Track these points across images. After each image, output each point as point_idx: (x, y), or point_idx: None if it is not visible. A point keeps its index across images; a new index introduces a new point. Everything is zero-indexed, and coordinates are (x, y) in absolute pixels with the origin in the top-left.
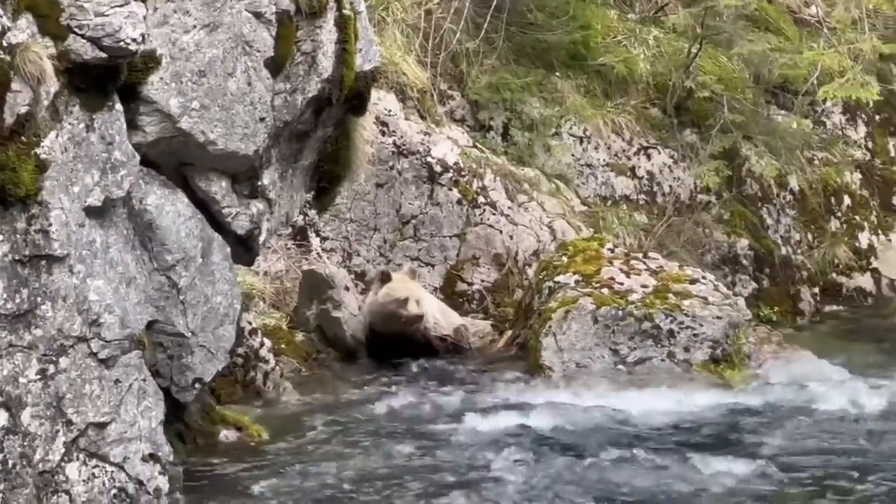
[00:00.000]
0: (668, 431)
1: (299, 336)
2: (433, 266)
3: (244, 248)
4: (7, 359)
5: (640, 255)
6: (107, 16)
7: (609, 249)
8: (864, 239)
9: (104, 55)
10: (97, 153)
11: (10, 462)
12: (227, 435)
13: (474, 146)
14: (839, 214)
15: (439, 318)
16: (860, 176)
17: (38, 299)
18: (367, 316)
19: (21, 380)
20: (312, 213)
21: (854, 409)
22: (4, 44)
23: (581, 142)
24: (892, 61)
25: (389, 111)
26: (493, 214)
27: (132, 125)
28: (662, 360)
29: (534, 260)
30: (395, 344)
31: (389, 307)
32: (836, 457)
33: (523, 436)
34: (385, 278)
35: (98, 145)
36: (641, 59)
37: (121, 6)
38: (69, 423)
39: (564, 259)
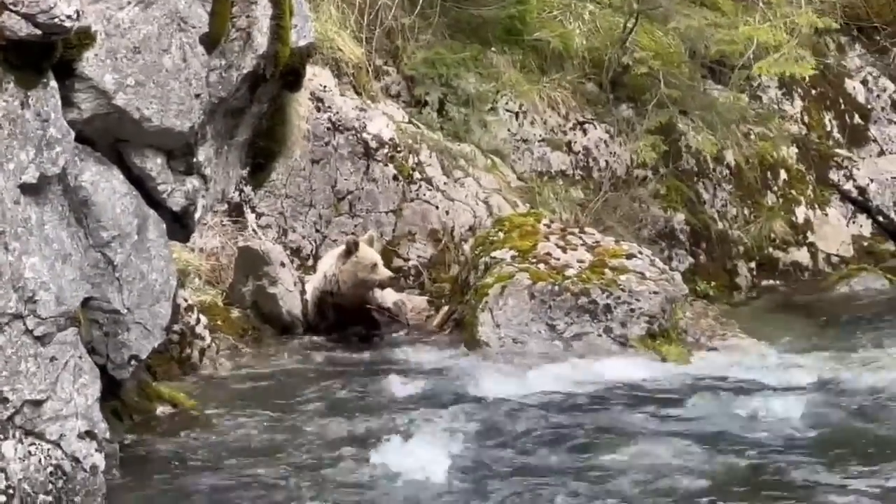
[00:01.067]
0: (596, 406)
1: (235, 312)
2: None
3: (180, 225)
4: None
5: (577, 231)
6: None
7: (545, 225)
8: (800, 213)
9: (39, 32)
10: (32, 130)
11: None
12: (163, 411)
13: (410, 122)
14: (776, 189)
15: (381, 292)
16: (796, 150)
17: None
18: (321, 287)
19: None
20: (248, 189)
21: (783, 384)
22: None
23: (517, 117)
24: (827, 35)
25: (325, 87)
26: (429, 190)
27: (67, 102)
28: (599, 336)
29: (470, 235)
30: (344, 316)
31: (360, 275)
32: (761, 432)
33: (443, 400)
34: (352, 248)
35: (33, 122)
36: (577, 34)
37: None
38: (5, 400)
39: (501, 234)
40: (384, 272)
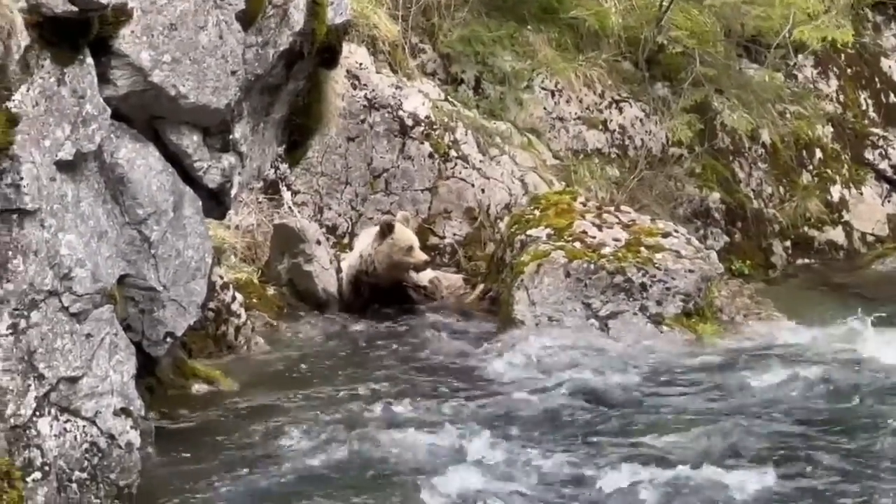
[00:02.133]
0: (635, 383)
1: (271, 290)
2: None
3: (216, 202)
4: None
5: (613, 209)
6: None
7: (581, 203)
8: (835, 192)
9: (75, 8)
10: (68, 107)
11: None
12: (198, 388)
13: (446, 100)
14: (811, 168)
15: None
16: (832, 129)
17: (10, 253)
18: (356, 267)
19: None
20: (284, 166)
21: (821, 363)
22: None
23: (553, 95)
24: (863, 12)
25: (361, 65)
26: (465, 168)
27: (103, 79)
28: (634, 314)
29: (505, 213)
30: (378, 295)
31: (395, 257)
32: (799, 408)
33: (479, 378)
34: (388, 229)
35: (69, 99)
36: (613, 12)
37: None
38: (41, 377)
39: (536, 213)
40: (420, 256)
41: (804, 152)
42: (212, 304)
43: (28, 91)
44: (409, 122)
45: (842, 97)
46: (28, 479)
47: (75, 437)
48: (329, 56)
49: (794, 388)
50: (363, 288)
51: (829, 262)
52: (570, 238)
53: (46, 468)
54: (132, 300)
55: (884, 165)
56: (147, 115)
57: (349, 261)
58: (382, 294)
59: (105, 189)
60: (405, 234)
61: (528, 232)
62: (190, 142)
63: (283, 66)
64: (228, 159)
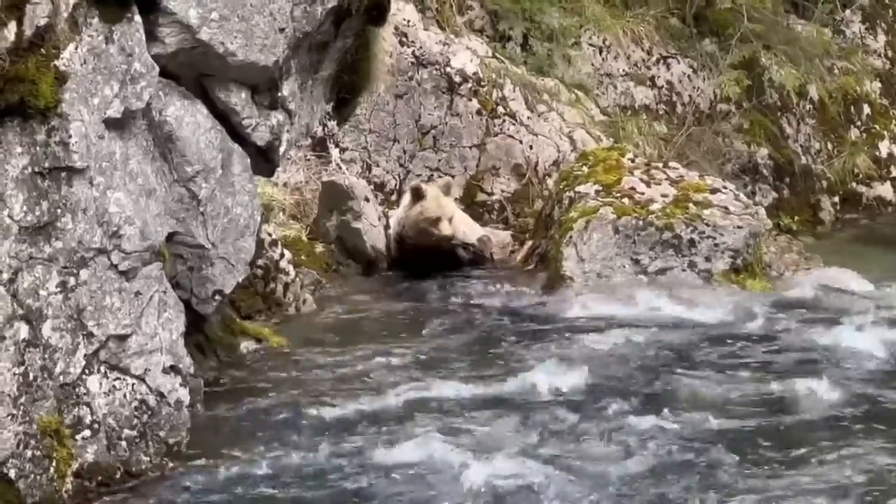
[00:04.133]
0: (688, 341)
1: (319, 247)
2: (453, 177)
3: (264, 160)
4: (27, 271)
5: (661, 165)
6: None
7: (629, 159)
8: (883, 148)
9: None
10: (116, 65)
11: (32, 374)
12: (247, 346)
13: (493, 56)
14: (859, 123)
15: (465, 229)
16: (880, 85)
17: (59, 211)
18: (396, 227)
19: (41, 292)
20: (332, 124)
21: (874, 318)
22: None
23: (600, 52)
24: None
25: (408, 21)
26: (513, 125)
27: (151, 36)
28: (683, 270)
29: (554, 170)
30: (422, 255)
31: (422, 225)
32: (855, 366)
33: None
34: (418, 195)
35: (117, 57)
36: None
37: None
38: (90, 335)
39: (585, 169)
40: (445, 230)
41: (852, 108)
42: (260, 262)
43: (76, 49)
44: (457, 79)
45: (890, 52)
46: (77, 437)
47: (124, 395)
48: (377, 13)
49: (848, 342)
50: (407, 247)
51: (877, 217)
52: (619, 194)
53: (96, 426)
54: (181, 258)
55: None
56: (195, 72)
57: (395, 219)
58: (428, 253)
59: (153, 147)
60: (433, 205)
61: (577, 188)
62: (238, 99)
63: (331, 23)
64: (277, 117)
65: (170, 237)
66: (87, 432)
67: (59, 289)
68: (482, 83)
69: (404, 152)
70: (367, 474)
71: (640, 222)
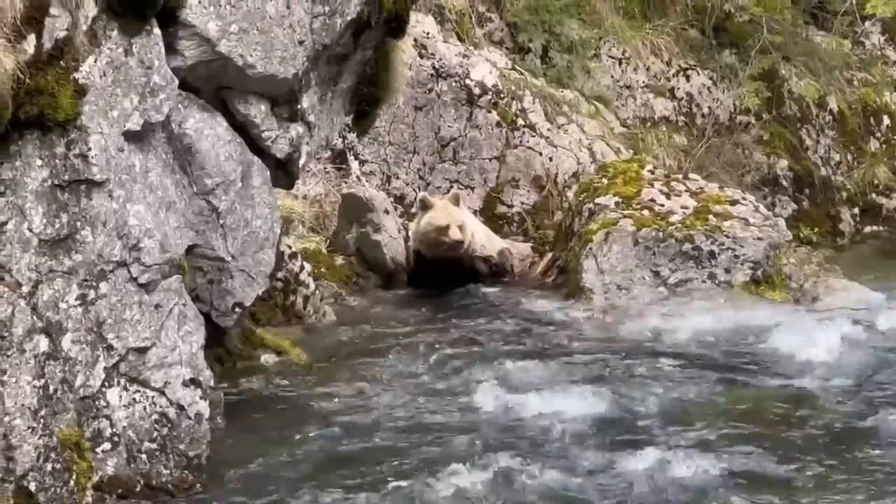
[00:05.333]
0: (704, 351)
1: (339, 260)
2: (473, 189)
3: (284, 172)
4: (47, 284)
5: (681, 177)
6: None
7: (649, 171)
8: None
9: None
10: (136, 77)
11: (52, 387)
12: (267, 359)
13: (513, 68)
14: (878, 135)
15: (484, 242)
16: None
17: (78, 224)
18: (412, 241)
19: (61, 305)
20: (352, 136)
21: (890, 328)
22: None
23: (620, 63)
24: None
25: (428, 34)
26: (533, 136)
27: (171, 49)
28: (703, 282)
29: (573, 182)
30: (440, 268)
31: (431, 235)
32: (875, 374)
33: (549, 349)
34: (426, 206)
35: (137, 69)
36: None
37: None
38: (110, 348)
39: (604, 181)
40: (454, 235)
41: (872, 119)
42: (280, 274)
43: (96, 62)
44: (477, 91)
45: None
46: (98, 450)
47: (144, 408)
48: (396, 25)
49: (871, 355)
50: (425, 261)
51: None
52: (639, 206)
53: (116, 439)
54: (201, 270)
55: None
56: (215, 85)
57: (411, 233)
58: (447, 267)
59: (173, 159)
60: (441, 214)
61: (597, 200)
62: (258, 112)
63: (350, 35)
64: (296, 129)
65: (189, 250)
66: (107, 445)
67: (78, 301)
68: (502, 95)
69: (424, 164)
70: (385, 487)
71: (660, 234)
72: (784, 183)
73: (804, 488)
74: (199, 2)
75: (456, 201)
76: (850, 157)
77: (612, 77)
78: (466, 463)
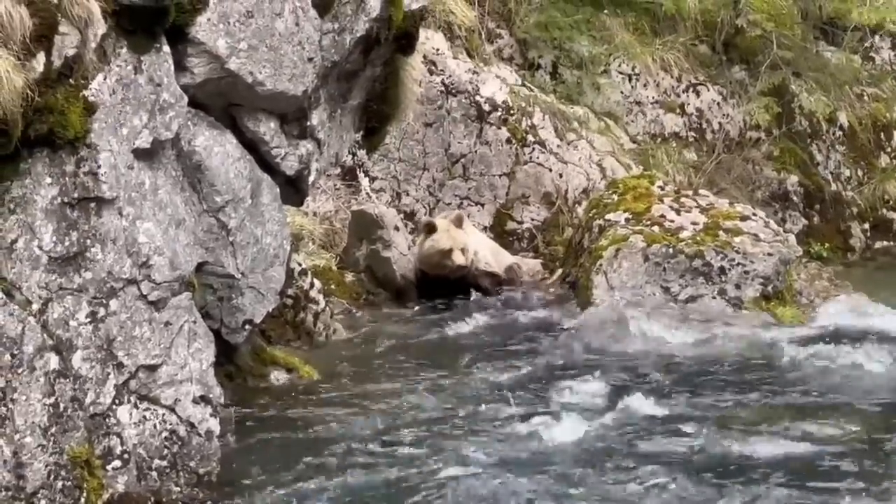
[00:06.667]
0: (712, 368)
1: (349, 276)
2: (482, 205)
3: (293, 189)
4: (57, 302)
5: (691, 193)
6: None
7: (659, 187)
8: None
9: None
10: (145, 95)
11: (62, 405)
12: (277, 376)
13: (523, 85)
14: (889, 150)
15: (490, 259)
16: None
17: (88, 242)
18: (417, 262)
19: (71, 323)
20: (361, 153)
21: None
22: None
23: (630, 79)
24: None
25: (437, 50)
26: (543, 153)
27: (180, 67)
28: (713, 298)
29: (583, 198)
30: (445, 285)
31: (434, 258)
32: (882, 392)
33: (562, 365)
34: (430, 229)
35: (146, 87)
36: None
37: None
38: (120, 365)
39: (614, 197)
40: (457, 260)
41: (882, 134)
42: (290, 291)
43: (105, 79)
44: (487, 108)
45: None
46: (108, 468)
47: (155, 426)
48: (406, 42)
49: (880, 371)
50: (429, 279)
51: None
52: (649, 222)
53: (126, 456)
54: (210, 288)
55: None
56: (224, 102)
57: (416, 254)
58: (451, 284)
59: (183, 177)
60: (444, 237)
61: (607, 216)
62: (267, 129)
63: (359, 52)
64: (306, 146)
65: (199, 267)
66: (117, 462)
67: (88, 319)
68: (511, 111)
69: (434, 181)
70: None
71: (670, 250)
72: (794, 198)
73: None
74: (209, 19)
75: (459, 223)
76: (860, 173)
77: (622, 93)
78: (479, 479)
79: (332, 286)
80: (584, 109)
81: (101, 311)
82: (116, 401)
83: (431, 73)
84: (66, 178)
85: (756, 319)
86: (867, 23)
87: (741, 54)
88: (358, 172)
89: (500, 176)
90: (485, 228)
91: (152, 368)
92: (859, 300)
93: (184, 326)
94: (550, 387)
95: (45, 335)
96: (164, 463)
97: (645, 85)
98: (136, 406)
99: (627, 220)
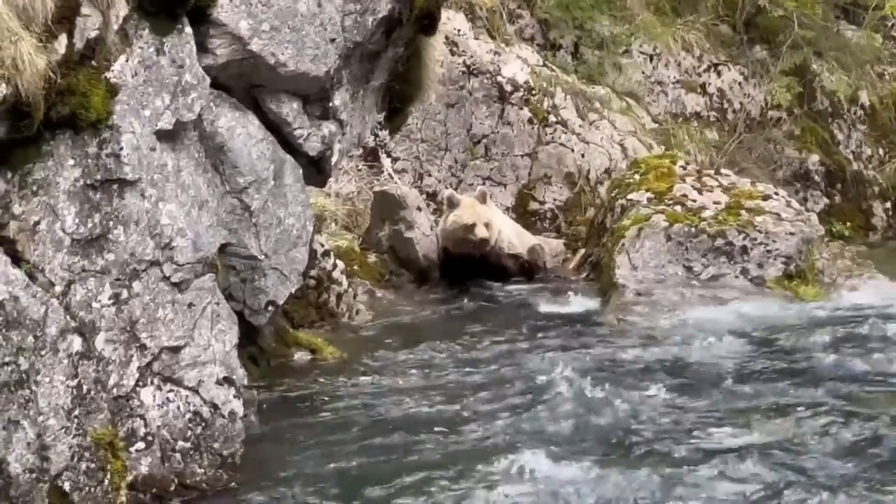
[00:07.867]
0: (737, 348)
1: (372, 257)
2: (505, 185)
3: (316, 170)
4: (80, 284)
5: (712, 172)
6: None
7: (681, 166)
8: None
9: None
10: (167, 76)
11: (85, 387)
12: (300, 357)
13: (544, 65)
14: None
15: (513, 239)
16: None
17: (111, 224)
18: (440, 239)
19: (94, 305)
20: (384, 133)
21: None
22: None
23: (651, 59)
24: None
25: (459, 31)
26: (565, 133)
27: (202, 48)
28: (736, 277)
29: (605, 178)
30: (469, 265)
31: (458, 233)
32: None
33: (582, 345)
34: (452, 203)
35: (168, 69)
36: None
37: None
38: (143, 347)
39: (636, 177)
40: (480, 233)
41: None
42: (313, 272)
43: (127, 61)
44: (508, 88)
45: None
46: (131, 450)
47: (178, 407)
48: (428, 22)
49: None
50: (453, 258)
51: None
52: (671, 202)
53: (150, 438)
54: (233, 269)
55: None
56: (246, 83)
57: (439, 230)
58: (474, 264)
59: (205, 158)
60: (467, 212)
61: (629, 196)
62: (289, 110)
63: (381, 33)
64: (328, 127)
65: (222, 248)
66: (141, 444)
67: (111, 301)
68: (533, 92)
69: (456, 161)
70: (422, 486)
71: (693, 229)
72: (816, 178)
73: None
74: (231, 0)
75: (483, 199)
76: (881, 152)
77: (644, 73)
78: (503, 459)
79: (355, 267)
80: (605, 89)
81: (124, 293)
82: (140, 383)
83: (453, 53)
84: (89, 160)
85: (778, 298)
86: (891, 10)
87: (762, 34)
88: (380, 153)
89: (521, 156)
90: (507, 209)
91: (175, 350)
92: (882, 279)
93: (207, 308)
94: (558, 367)
95: (68, 317)
96: (188, 444)
97: (666, 65)
98: (159, 388)
99: (650, 199)
